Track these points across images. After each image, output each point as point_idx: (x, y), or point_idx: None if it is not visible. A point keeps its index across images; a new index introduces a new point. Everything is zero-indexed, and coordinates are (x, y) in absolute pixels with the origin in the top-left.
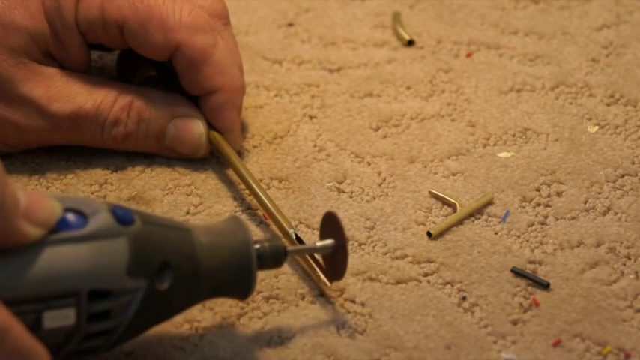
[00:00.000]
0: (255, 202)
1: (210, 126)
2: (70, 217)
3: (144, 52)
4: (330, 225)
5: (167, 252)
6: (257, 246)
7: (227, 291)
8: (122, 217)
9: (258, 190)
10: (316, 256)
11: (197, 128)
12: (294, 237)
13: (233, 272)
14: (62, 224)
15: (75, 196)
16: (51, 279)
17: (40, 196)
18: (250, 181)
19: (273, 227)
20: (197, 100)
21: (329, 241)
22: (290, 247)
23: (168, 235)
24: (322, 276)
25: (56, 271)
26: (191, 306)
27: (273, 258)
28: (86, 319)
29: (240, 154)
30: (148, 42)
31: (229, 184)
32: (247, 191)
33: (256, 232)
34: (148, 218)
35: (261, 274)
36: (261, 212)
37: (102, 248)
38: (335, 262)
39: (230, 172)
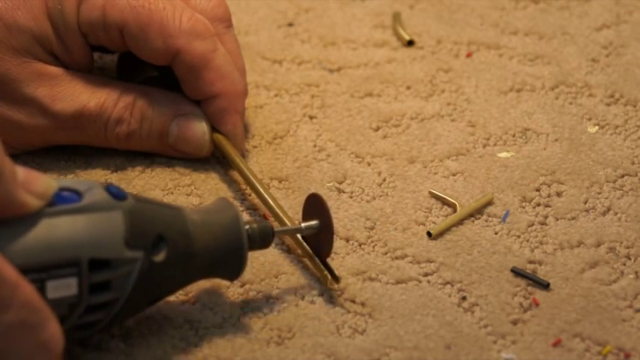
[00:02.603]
0: (255, 202)
1: (213, 127)
2: (66, 193)
3: (144, 56)
4: (315, 206)
5: (161, 226)
6: (246, 227)
7: (220, 269)
8: (115, 193)
9: (263, 192)
10: (299, 236)
11: (200, 127)
12: (299, 237)
13: (225, 248)
14: (58, 199)
15: (67, 178)
16: (51, 248)
17: (35, 171)
18: (255, 182)
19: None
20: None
21: (314, 222)
22: (277, 228)
23: (161, 211)
24: (329, 276)
25: (56, 240)
26: (187, 284)
27: (262, 238)
28: (88, 290)
29: (241, 154)
30: (148, 47)
31: (229, 184)
32: (248, 191)
33: None
34: (140, 197)
35: (261, 274)
36: (261, 212)
37: (99, 219)
38: (320, 242)
39: (231, 173)
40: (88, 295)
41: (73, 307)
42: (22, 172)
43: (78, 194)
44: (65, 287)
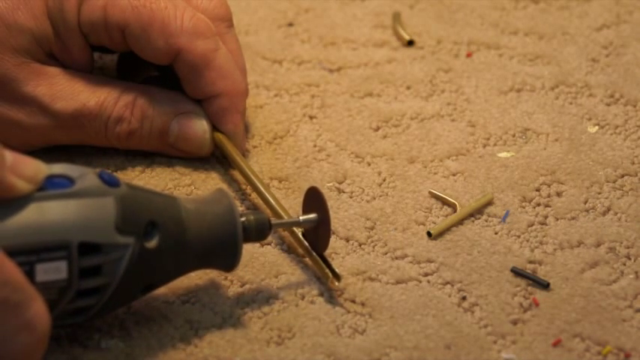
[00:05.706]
0: (256, 202)
1: (214, 127)
2: (58, 179)
3: (145, 56)
4: (313, 200)
5: (153, 212)
6: (242, 219)
7: (215, 259)
8: (108, 179)
9: (264, 191)
10: (296, 230)
11: (201, 125)
12: (300, 236)
13: (219, 237)
14: (50, 185)
15: (60, 164)
16: (40, 230)
17: (25, 155)
18: (256, 181)
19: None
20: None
21: (312, 215)
22: (274, 220)
23: (154, 198)
24: (330, 274)
25: (45, 223)
26: (181, 273)
27: (258, 230)
28: (78, 274)
29: (242, 154)
30: (150, 47)
31: (230, 183)
32: (248, 190)
33: None
34: (134, 185)
35: (261, 274)
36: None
37: (90, 204)
38: (317, 236)
39: (231, 172)
40: (78, 279)
41: (63, 291)
42: (10, 155)
43: (70, 180)
44: (55, 271)
